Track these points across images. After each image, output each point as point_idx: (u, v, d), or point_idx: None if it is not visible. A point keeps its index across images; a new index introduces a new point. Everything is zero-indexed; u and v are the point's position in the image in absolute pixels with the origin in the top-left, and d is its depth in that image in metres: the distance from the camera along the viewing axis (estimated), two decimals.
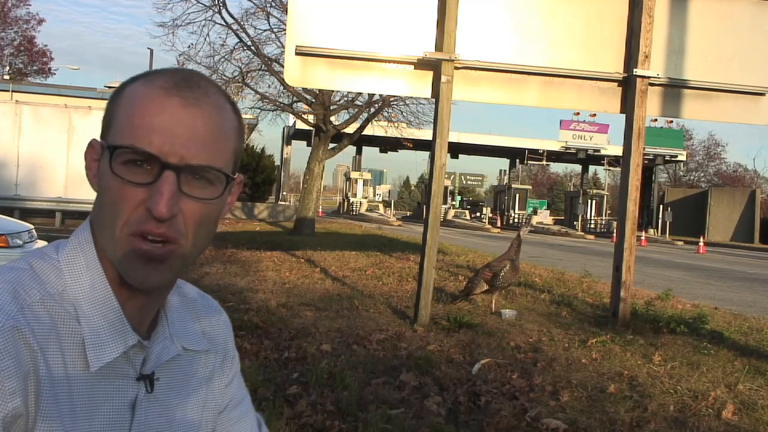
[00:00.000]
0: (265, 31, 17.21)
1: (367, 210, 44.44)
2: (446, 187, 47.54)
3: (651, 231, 36.91)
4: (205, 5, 16.36)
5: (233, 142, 0.80)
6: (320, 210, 42.21)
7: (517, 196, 46.80)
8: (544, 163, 46.99)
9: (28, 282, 0.73)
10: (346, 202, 50.44)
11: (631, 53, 6.25)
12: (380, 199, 50.55)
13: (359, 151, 48.96)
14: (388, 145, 38.57)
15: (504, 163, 52.18)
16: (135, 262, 0.73)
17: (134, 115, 0.74)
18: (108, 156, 0.74)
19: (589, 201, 43.27)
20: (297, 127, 34.85)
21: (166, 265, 0.75)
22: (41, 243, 7.52)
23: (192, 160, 0.73)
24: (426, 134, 11.99)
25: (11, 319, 0.68)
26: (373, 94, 17.20)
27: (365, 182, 50.04)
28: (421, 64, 6.06)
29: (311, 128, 17.88)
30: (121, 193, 0.73)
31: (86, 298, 0.75)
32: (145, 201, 0.72)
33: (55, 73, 51.18)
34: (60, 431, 0.70)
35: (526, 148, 43.78)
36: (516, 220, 44.19)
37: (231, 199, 0.83)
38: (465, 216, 45.80)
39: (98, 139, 0.79)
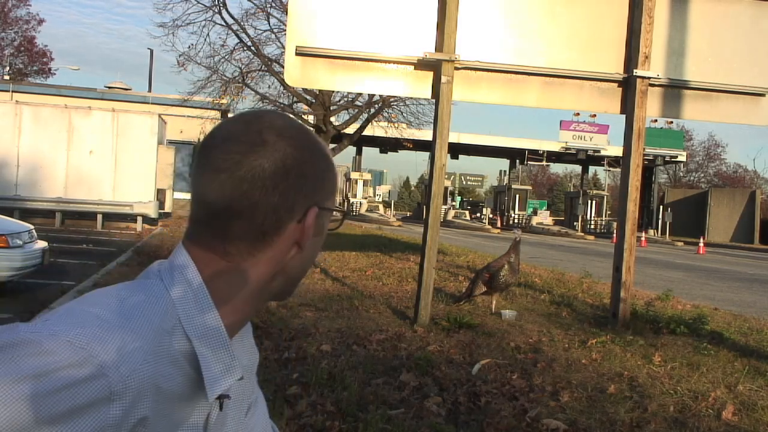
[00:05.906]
0: (265, 31, 17.26)
1: (367, 210, 44.42)
2: (446, 188, 47.56)
3: (651, 231, 36.93)
4: (205, 6, 16.38)
5: None
6: None
7: (517, 196, 46.79)
8: (544, 163, 46.99)
9: (155, 320, 0.75)
10: (346, 203, 50.41)
11: (631, 54, 6.25)
12: (380, 200, 50.55)
13: (359, 152, 48.95)
14: (388, 145, 38.58)
15: (504, 163, 52.20)
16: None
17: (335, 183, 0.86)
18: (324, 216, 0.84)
19: (589, 201, 43.26)
20: None
21: None
22: (41, 243, 7.51)
23: None
24: (426, 134, 11.99)
25: (133, 374, 0.68)
26: (373, 95, 17.21)
27: (365, 183, 50.04)
28: (421, 64, 6.06)
29: (311, 129, 17.91)
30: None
31: (201, 338, 0.77)
32: None
33: (55, 74, 51.29)
34: None
35: (526, 149, 43.77)
36: (516, 221, 44.18)
37: None
38: (465, 216, 45.79)
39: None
